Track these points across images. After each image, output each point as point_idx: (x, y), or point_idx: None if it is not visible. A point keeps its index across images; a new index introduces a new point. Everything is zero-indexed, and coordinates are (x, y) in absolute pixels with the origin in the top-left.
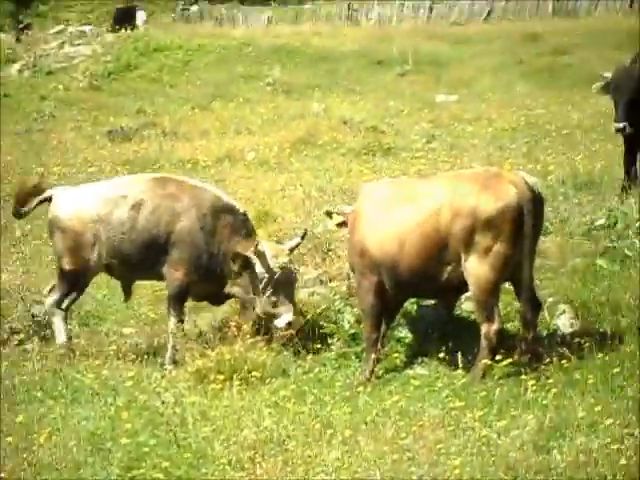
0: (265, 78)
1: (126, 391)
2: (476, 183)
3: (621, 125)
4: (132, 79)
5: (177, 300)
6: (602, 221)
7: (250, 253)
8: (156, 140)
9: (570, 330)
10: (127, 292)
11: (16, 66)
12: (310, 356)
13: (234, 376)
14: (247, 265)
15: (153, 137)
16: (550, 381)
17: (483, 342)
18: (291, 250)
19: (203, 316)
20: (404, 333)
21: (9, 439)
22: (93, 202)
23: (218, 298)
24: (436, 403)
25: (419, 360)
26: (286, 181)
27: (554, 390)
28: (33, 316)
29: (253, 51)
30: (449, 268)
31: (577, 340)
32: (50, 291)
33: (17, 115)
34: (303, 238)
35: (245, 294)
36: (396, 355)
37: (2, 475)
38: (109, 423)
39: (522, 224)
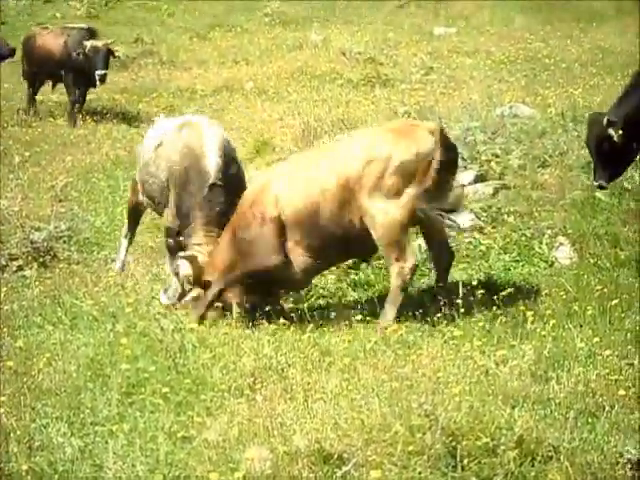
0: (263, 9)
1: (125, 317)
2: (391, 132)
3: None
4: (130, 7)
5: (168, 244)
6: None
7: (182, 256)
8: (154, 69)
9: (568, 262)
10: None
11: None
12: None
13: None
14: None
15: (150, 66)
16: (548, 312)
17: (395, 281)
18: None
19: None
20: None
21: (9, 364)
22: (150, 136)
23: None
24: (434, 333)
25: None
26: (285, 111)
27: (552, 321)
28: (32, 242)
29: None
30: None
31: (575, 272)
32: None
33: (15, 42)
34: None
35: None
36: None
37: (2, 399)
38: (108, 349)
39: (432, 170)
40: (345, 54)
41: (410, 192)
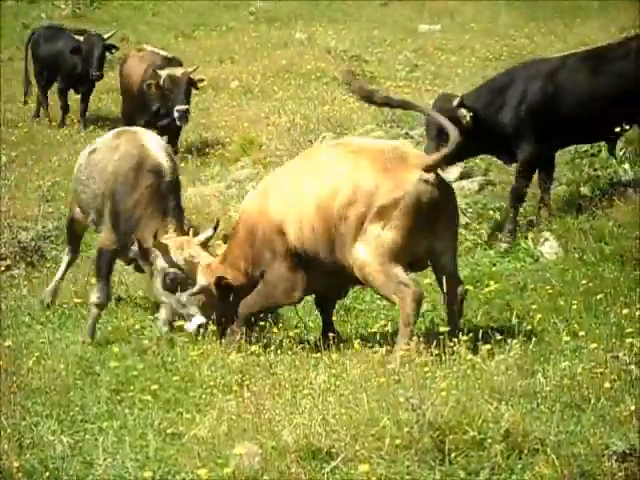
0: (248, 7)
1: (113, 316)
2: (377, 167)
3: None
4: (115, 7)
5: (99, 269)
6: (586, 149)
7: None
8: None
9: (554, 257)
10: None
11: None
12: None
13: None
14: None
15: None
16: (534, 307)
17: (402, 317)
18: (202, 244)
19: None
20: None
21: None
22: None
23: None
24: (422, 328)
25: None
26: (270, 109)
27: (538, 316)
28: (19, 242)
29: None
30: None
31: (561, 266)
32: None
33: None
34: (215, 230)
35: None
36: None
37: None
38: (97, 347)
39: (421, 213)
40: (330, 52)
41: (387, 237)
